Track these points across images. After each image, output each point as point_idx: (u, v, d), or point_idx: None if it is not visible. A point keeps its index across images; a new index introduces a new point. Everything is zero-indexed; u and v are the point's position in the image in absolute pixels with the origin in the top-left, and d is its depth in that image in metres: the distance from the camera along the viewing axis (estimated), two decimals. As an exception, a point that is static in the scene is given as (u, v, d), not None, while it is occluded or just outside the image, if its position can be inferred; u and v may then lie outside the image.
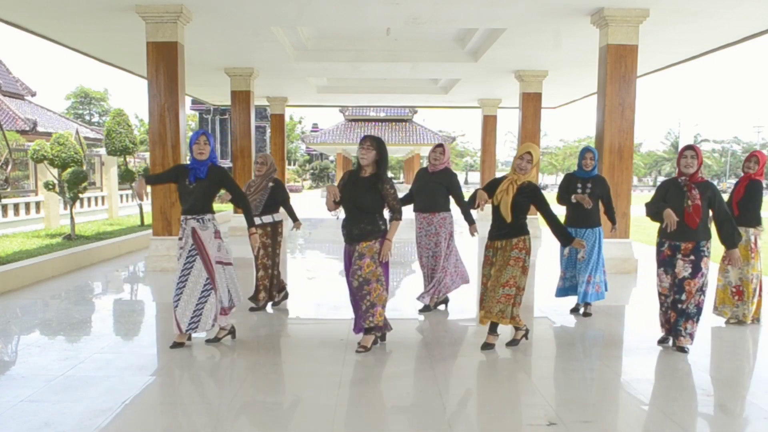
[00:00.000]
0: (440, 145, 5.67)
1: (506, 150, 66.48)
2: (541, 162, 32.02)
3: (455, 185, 5.62)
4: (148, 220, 12.59)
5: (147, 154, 15.37)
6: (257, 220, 5.63)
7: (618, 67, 7.92)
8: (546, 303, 6.01)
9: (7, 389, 3.78)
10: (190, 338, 4.69)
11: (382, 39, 10.98)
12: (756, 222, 5.32)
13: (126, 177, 13.62)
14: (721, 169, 69.82)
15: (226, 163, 33.61)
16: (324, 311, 6.09)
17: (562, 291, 5.74)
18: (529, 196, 4.43)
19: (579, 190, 5.47)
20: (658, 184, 4.75)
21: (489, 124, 16.91)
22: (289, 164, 51.56)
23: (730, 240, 4.54)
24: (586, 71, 11.14)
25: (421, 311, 5.79)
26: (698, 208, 4.34)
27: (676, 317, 4.52)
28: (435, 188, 5.59)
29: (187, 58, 8.63)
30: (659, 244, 4.63)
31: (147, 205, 12.20)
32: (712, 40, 9.39)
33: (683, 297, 4.49)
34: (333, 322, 5.58)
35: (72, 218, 10.60)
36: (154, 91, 8.05)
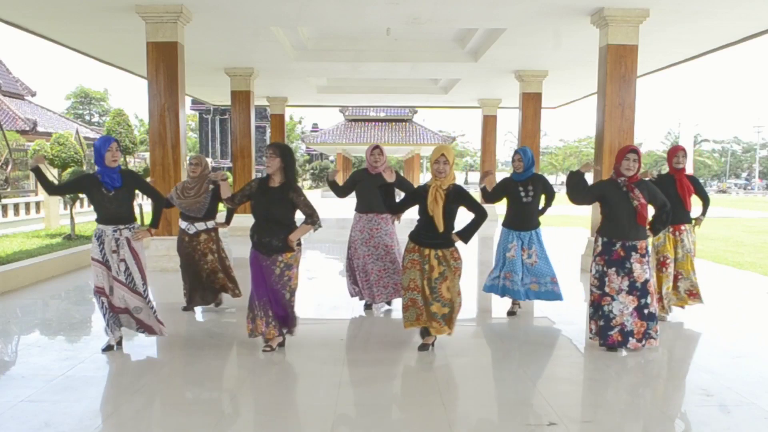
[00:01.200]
0: (377, 147, 5.65)
1: (506, 150, 66.46)
2: (541, 162, 32.01)
3: (404, 180, 5.59)
4: (147, 220, 12.58)
5: (147, 154, 15.36)
6: (202, 225, 5.62)
7: (618, 67, 7.91)
8: (546, 303, 6.00)
9: (7, 389, 3.79)
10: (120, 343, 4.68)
11: (382, 39, 10.98)
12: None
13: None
14: (721, 169, 69.80)
15: (226, 163, 33.63)
16: (324, 311, 6.09)
17: (496, 289, 5.57)
18: (458, 199, 4.36)
19: (521, 193, 5.41)
20: (594, 184, 4.76)
21: (489, 124, 16.91)
22: (289, 164, 51.43)
23: (663, 227, 4.68)
24: (586, 71, 11.13)
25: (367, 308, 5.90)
26: (645, 206, 4.41)
27: (645, 323, 4.48)
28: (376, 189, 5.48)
29: (187, 58, 8.63)
30: (609, 244, 4.49)
31: (147, 206, 12.20)
32: (712, 40, 9.38)
33: (648, 300, 4.46)
34: (333, 322, 5.58)
35: (72, 218, 10.60)
36: (154, 91, 8.04)
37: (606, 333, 4.50)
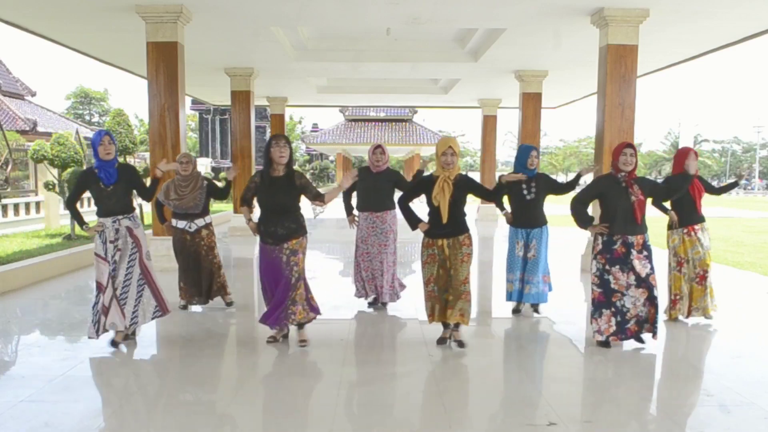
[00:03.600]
0: (379, 146, 5.72)
1: (506, 150, 66.38)
2: (541, 162, 32.03)
3: (403, 179, 5.77)
4: (147, 220, 12.61)
5: (147, 154, 15.35)
6: (201, 221, 5.67)
7: (618, 67, 7.91)
8: (546, 303, 6.00)
9: (7, 389, 3.79)
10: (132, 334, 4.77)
11: (382, 39, 10.98)
12: None
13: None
14: (721, 169, 69.76)
15: (225, 163, 33.62)
16: (324, 311, 6.07)
17: (519, 294, 5.60)
18: (465, 188, 4.47)
19: (524, 191, 5.40)
20: (593, 180, 4.80)
21: (489, 124, 16.91)
22: (289, 164, 51.45)
23: (675, 193, 4.82)
24: (586, 71, 11.13)
25: (372, 305, 6.02)
26: (642, 203, 4.48)
27: (654, 313, 4.54)
28: (384, 186, 5.71)
29: (187, 58, 8.62)
30: (609, 242, 4.55)
31: (147, 206, 12.20)
32: (712, 40, 9.38)
33: (655, 293, 4.56)
34: (333, 322, 5.57)
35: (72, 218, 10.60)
36: (154, 91, 8.04)
37: (623, 327, 4.57)
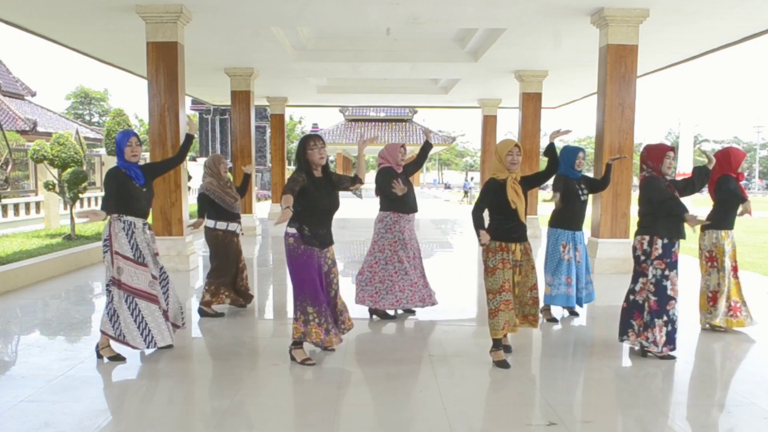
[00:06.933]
0: (403, 146, 5.49)
1: (506, 150, 66.25)
2: (542, 161, 31.99)
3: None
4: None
5: (147, 154, 15.37)
6: (235, 226, 5.59)
7: (618, 67, 7.92)
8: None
9: (7, 389, 3.79)
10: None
11: (382, 39, 10.98)
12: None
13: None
14: (721, 169, 69.56)
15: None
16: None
17: (565, 298, 5.45)
18: (525, 186, 4.28)
19: (579, 192, 5.29)
20: (650, 183, 4.36)
21: (489, 124, 16.92)
22: (289, 164, 51.41)
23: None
24: (586, 71, 11.14)
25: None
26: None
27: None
28: (412, 187, 5.41)
29: (187, 58, 8.63)
30: (669, 246, 4.27)
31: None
32: (712, 40, 9.39)
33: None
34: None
35: (72, 218, 10.60)
36: (154, 91, 8.05)
37: (673, 337, 4.35)
